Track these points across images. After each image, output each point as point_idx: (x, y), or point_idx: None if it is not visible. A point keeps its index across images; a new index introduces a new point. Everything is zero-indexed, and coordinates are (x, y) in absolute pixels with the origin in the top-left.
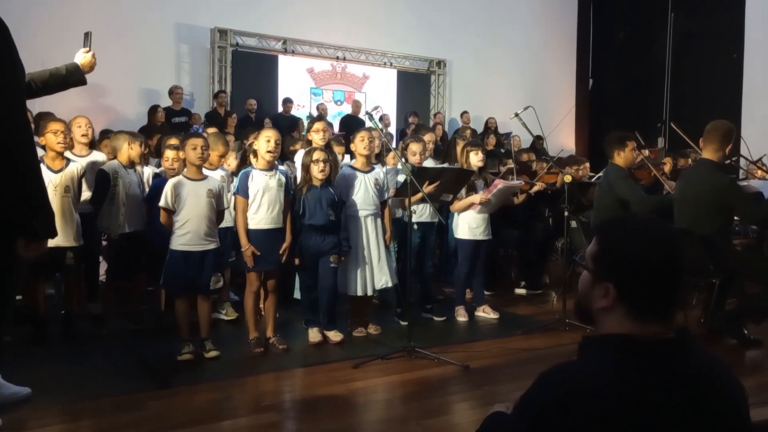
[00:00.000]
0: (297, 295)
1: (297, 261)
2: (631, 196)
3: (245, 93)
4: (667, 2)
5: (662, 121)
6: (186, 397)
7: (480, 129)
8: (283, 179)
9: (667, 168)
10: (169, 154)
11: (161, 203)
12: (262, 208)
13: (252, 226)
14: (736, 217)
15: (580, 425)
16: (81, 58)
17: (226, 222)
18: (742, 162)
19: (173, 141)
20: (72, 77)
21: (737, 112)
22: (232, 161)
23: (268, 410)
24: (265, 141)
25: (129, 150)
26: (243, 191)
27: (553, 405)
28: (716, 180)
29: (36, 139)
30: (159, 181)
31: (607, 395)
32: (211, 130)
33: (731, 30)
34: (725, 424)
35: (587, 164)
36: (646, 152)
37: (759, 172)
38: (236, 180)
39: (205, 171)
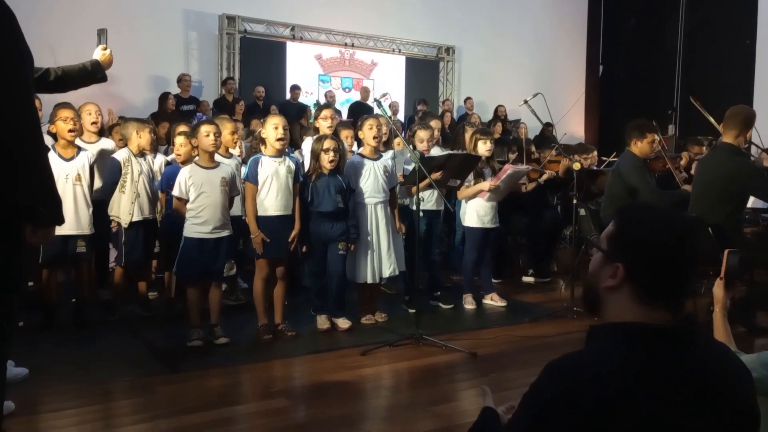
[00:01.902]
0: (306, 282)
1: (305, 248)
2: (642, 186)
3: (253, 80)
4: None
5: (673, 109)
6: (196, 382)
7: (489, 116)
8: (293, 166)
9: (683, 162)
10: (179, 140)
11: (175, 192)
12: (271, 195)
13: (261, 212)
14: (750, 204)
15: (587, 415)
16: (99, 55)
17: (235, 210)
18: (753, 149)
19: (184, 128)
20: (98, 73)
21: (749, 99)
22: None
23: (277, 396)
24: (273, 128)
25: (138, 138)
26: (253, 178)
27: (560, 395)
28: (734, 163)
29: (47, 127)
30: (171, 168)
31: (614, 384)
32: (224, 117)
33: (743, 16)
34: (731, 412)
35: (595, 153)
36: (658, 141)
37: None
38: (245, 167)
39: (217, 158)
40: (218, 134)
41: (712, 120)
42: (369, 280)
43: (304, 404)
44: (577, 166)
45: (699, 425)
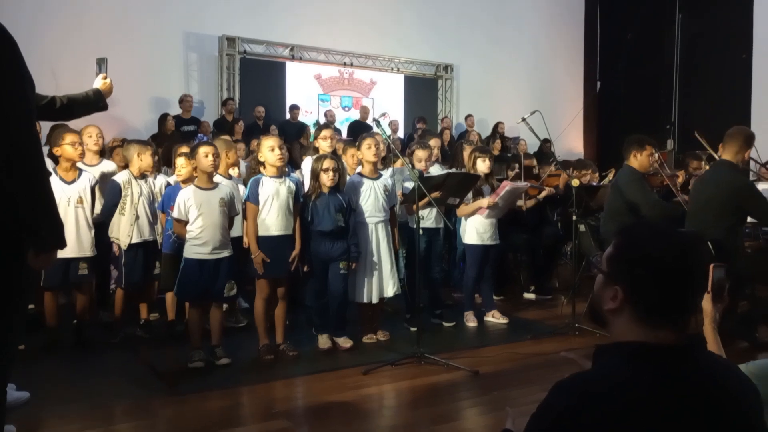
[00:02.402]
0: (308, 301)
1: (306, 267)
2: (642, 200)
3: (253, 100)
4: (674, 3)
5: (671, 123)
6: (197, 404)
7: (487, 133)
8: (293, 186)
9: (680, 180)
10: (179, 161)
11: (174, 214)
12: (272, 215)
13: (262, 232)
14: (750, 219)
15: (595, 429)
16: (100, 83)
17: (236, 231)
18: (752, 164)
19: (184, 149)
20: (100, 102)
21: (746, 113)
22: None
23: (279, 417)
24: (269, 150)
25: (139, 160)
26: (254, 198)
27: (567, 411)
28: (734, 180)
29: (47, 149)
30: (172, 189)
31: (621, 401)
32: (225, 137)
33: (739, 30)
34: (738, 429)
35: (596, 171)
36: (657, 156)
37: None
38: (246, 187)
39: (217, 179)
40: (217, 155)
41: (712, 152)
42: (369, 300)
43: (305, 425)
44: (575, 182)
45: None
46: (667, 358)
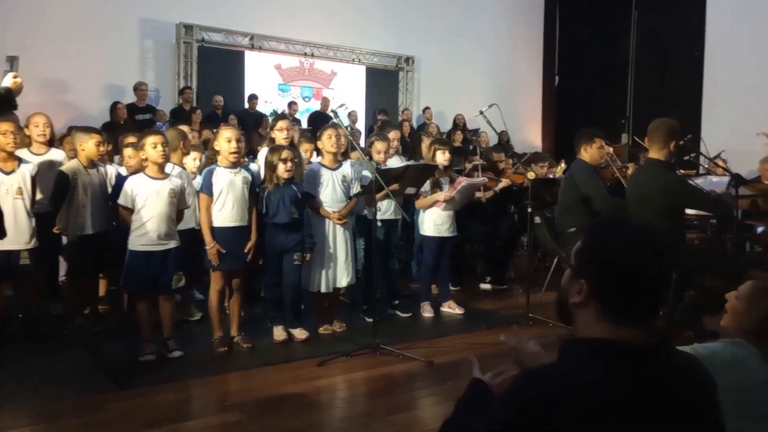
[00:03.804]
0: (264, 293)
1: (261, 260)
2: (594, 193)
3: (211, 89)
4: (630, 0)
5: (626, 118)
6: (148, 398)
7: (448, 125)
8: (249, 177)
9: (629, 172)
10: (127, 152)
11: (120, 201)
12: (227, 206)
13: (217, 224)
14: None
15: (562, 427)
16: (10, 82)
17: (190, 222)
18: (702, 159)
19: (131, 139)
20: (12, 101)
21: (698, 109)
22: (189, 161)
23: (232, 409)
24: (225, 141)
25: (81, 149)
26: (207, 189)
27: (534, 404)
28: (662, 181)
29: None
30: (122, 179)
31: (593, 400)
32: (184, 127)
33: (693, 28)
34: (706, 424)
35: (553, 163)
36: (611, 149)
37: (719, 169)
38: (200, 177)
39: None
40: (166, 144)
41: (640, 141)
42: (325, 289)
43: (258, 417)
44: (531, 175)
45: None
46: (638, 358)
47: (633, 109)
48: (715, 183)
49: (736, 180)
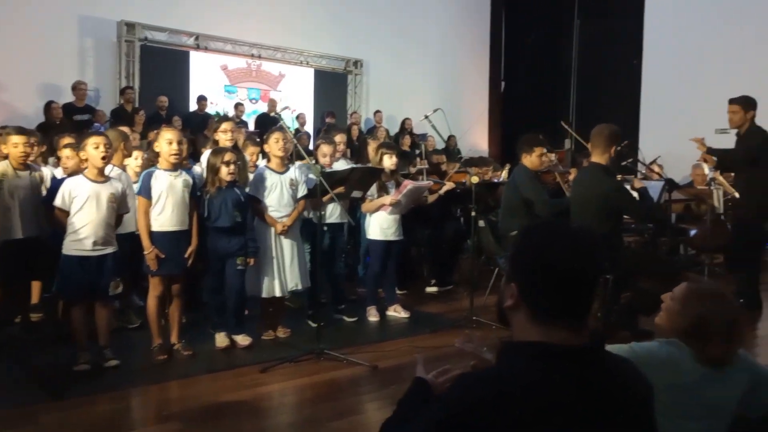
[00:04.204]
0: (205, 299)
1: (201, 265)
2: (535, 197)
3: (155, 89)
4: (572, 9)
5: (569, 123)
6: (82, 409)
7: (396, 129)
8: (190, 180)
9: (572, 177)
10: (65, 153)
11: (56, 202)
12: (166, 210)
13: (156, 228)
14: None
15: (497, 430)
16: None
17: (130, 226)
18: (639, 165)
19: (70, 140)
20: None
21: (636, 116)
22: (132, 162)
23: (171, 419)
24: (166, 143)
25: (12, 148)
26: (146, 192)
27: (469, 409)
28: (603, 185)
29: None
30: (58, 182)
31: (532, 403)
32: (122, 128)
33: (631, 37)
34: (639, 426)
35: (498, 167)
36: (553, 156)
37: (655, 174)
38: (139, 180)
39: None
40: (109, 146)
41: (580, 139)
42: (273, 294)
43: (199, 427)
44: (475, 179)
45: None
46: (572, 360)
47: (575, 115)
48: (651, 187)
49: (670, 185)
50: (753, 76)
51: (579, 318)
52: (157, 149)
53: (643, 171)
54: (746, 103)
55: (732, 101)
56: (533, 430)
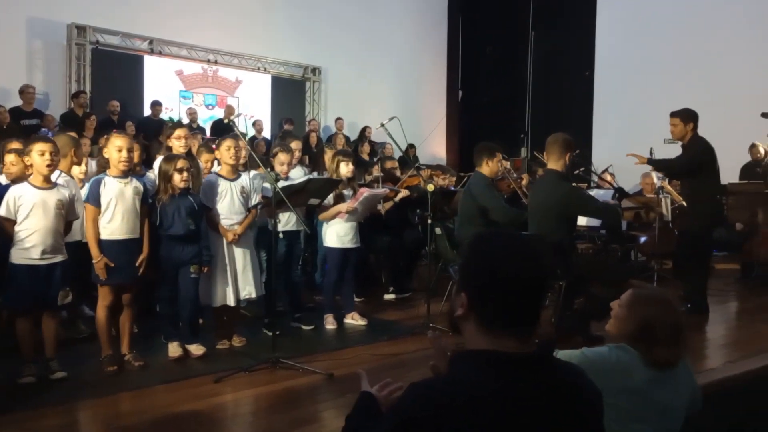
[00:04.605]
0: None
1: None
2: (491, 205)
3: (107, 94)
4: (528, 21)
5: (524, 132)
6: (28, 424)
7: (356, 136)
8: (141, 187)
9: (524, 182)
10: (9, 158)
11: (1, 212)
12: (116, 218)
13: (105, 236)
14: (584, 223)
15: None
16: None
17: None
18: (593, 175)
19: (16, 145)
20: None
21: (589, 126)
22: (75, 168)
23: None
24: (116, 150)
25: None
26: (94, 199)
27: (418, 419)
28: (560, 189)
29: None
30: (2, 189)
31: (479, 411)
32: (71, 133)
33: (584, 49)
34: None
35: (454, 176)
36: (508, 164)
37: (606, 183)
38: (86, 187)
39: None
40: (56, 153)
41: (537, 154)
42: (226, 303)
43: None
44: (431, 187)
45: None
46: (522, 368)
47: (531, 124)
48: (601, 196)
49: (620, 193)
50: (701, 88)
51: (527, 327)
52: (106, 155)
53: (595, 180)
54: (685, 116)
55: (673, 114)
56: None
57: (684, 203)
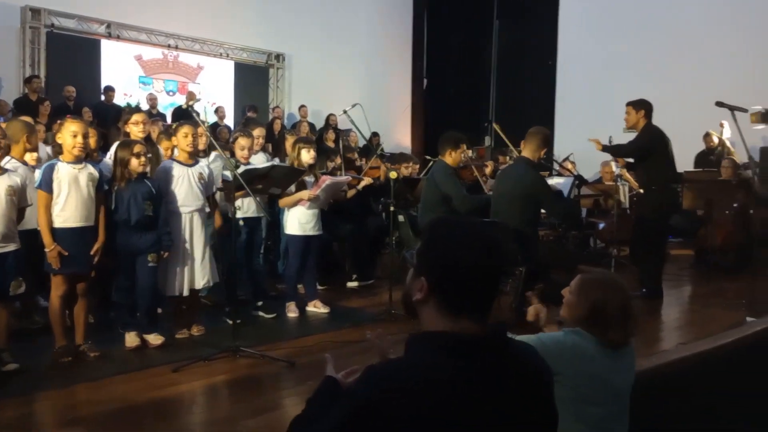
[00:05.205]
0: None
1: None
2: (454, 193)
3: (62, 79)
4: (492, 11)
5: (489, 121)
6: None
7: (321, 124)
8: (96, 173)
9: (488, 170)
10: None
11: None
12: (69, 205)
13: (58, 224)
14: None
15: (402, 423)
16: None
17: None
18: (555, 164)
19: None
20: None
21: (551, 115)
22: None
23: (76, 424)
24: (70, 135)
25: None
26: (46, 185)
27: (374, 402)
28: (530, 176)
29: None
30: None
31: (434, 393)
32: (24, 118)
33: (547, 39)
34: (539, 414)
35: (417, 164)
36: (470, 152)
37: (567, 171)
38: (39, 173)
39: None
40: (3, 137)
41: (510, 144)
42: (183, 293)
43: (107, 430)
44: (393, 174)
45: (509, 427)
46: (478, 349)
47: (495, 113)
48: (561, 183)
49: (579, 180)
50: (658, 80)
51: (484, 309)
52: (59, 141)
53: (557, 168)
54: (638, 104)
55: (627, 104)
56: (440, 418)
57: (641, 191)
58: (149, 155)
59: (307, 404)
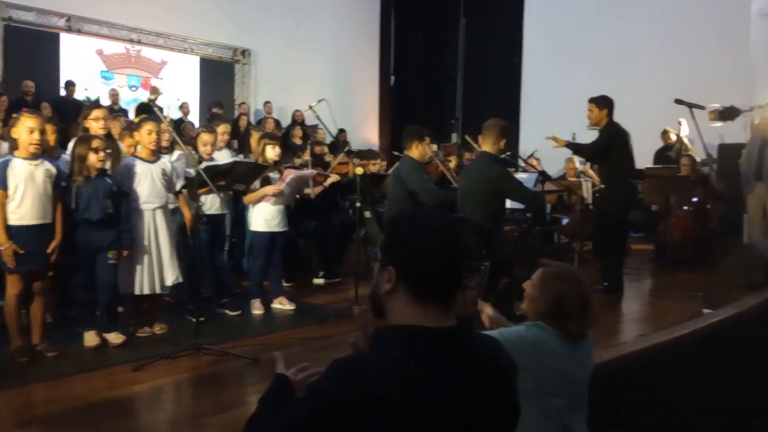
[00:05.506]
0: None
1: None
2: (420, 188)
3: (21, 73)
4: (458, 8)
5: (455, 118)
6: None
7: (288, 120)
8: (53, 170)
9: (452, 165)
10: None
11: None
12: (25, 202)
13: (14, 222)
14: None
15: (368, 417)
16: None
17: None
18: (519, 160)
19: None
20: None
21: (516, 112)
22: None
23: (33, 424)
24: (26, 131)
25: None
26: (1, 182)
27: (340, 397)
28: (492, 170)
29: None
30: None
31: (396, 388)
32: None
33: (512, 36)
34: (502, 405)
35: (384, 160)
36: (435, 146)
37: (531, 167)
38: None
39: None
40: None
41: (475, 145)
42: (147, 291)
43: (64, 429)
44: (359, 170)
45: (474, 419)
46: (443, 341)
47: (462, 110)
48: (525, 179)
49: (543, 176)
50: (618, 78)
51: (449, 299)
52: (14, 136)
53: (522, 164)
54: (600, 102)
55: (589, 100)
56: (406, 413)
57: (603, 186)
58: (109, 151)
59: (259, 403)
